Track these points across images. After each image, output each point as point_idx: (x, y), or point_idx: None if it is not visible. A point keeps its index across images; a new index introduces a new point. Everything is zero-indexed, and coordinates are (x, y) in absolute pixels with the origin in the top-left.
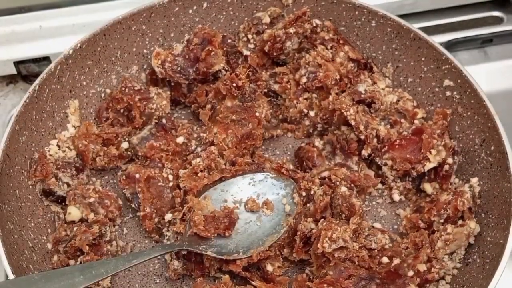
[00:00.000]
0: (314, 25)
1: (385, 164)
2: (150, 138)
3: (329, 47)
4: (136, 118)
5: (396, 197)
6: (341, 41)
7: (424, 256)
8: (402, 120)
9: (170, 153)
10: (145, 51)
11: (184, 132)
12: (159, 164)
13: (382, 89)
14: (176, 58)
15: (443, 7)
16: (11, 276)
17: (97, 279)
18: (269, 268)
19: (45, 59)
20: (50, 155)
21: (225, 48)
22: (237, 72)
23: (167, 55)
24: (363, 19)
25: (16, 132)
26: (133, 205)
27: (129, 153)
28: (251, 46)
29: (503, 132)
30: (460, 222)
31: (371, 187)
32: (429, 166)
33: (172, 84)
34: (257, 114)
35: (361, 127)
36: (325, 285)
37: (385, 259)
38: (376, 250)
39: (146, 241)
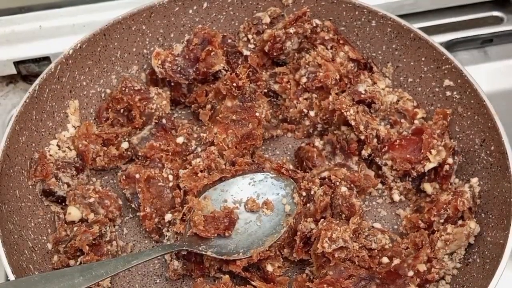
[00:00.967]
0: (314, 25)
1: (385, 164)
2: (150, 138)
3: (329, 47)
4: (136, 118)
5: (396, 197)
6: (341, 41)
7: (424, 256)
8: (402, 120)
9: (170, 153)
10: (145, 51)
11: (184, 132)
12: (159, 164)
13: (382, 89)
14: (176, 58)
15: (443, 7)
16: (11, 276)
17: (97, 280)
18: (269, 268)
19: (45, 59)
20: (50, 155)
21: (225, 48)
22: (237, 72)
23: (167, 55)
24: (363, 19)
25: (16, 132)
26: (133, 205)
27: (129, 153)
28: (251, 46)
29: (503, 132)
30: (460, 222)
31: (371, 187)
32: (429, 166)
33: (172, 84)
34: (257, 114)
35: (361, 127)
36: (325, 285)
37: (385, 259)
38: (376, 250)
39: (146, 241)
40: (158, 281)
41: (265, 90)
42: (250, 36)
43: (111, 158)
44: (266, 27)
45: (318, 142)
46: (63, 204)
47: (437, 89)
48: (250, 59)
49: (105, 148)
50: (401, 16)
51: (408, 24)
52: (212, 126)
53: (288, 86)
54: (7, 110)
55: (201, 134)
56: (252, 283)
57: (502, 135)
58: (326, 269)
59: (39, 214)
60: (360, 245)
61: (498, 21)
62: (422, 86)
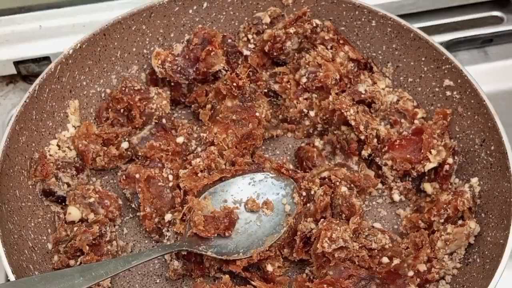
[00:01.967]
0: (314, 25)
1: (385, 164)
2: (150, 138)
3: (329, 47)
4: (136, 118)
5: (396, 197)
6: (341, 41)
7: (424, 256)
8: (402, 120)
9: (170, 153)
10: (145, 51)
11: (184, 132)
12: (159, 164)
13: (382, 89)
14: (176, 58)
15: (443, 7)
16: (11, 276)
17: (97, 280)
18: (269, 268)
19: (45, 59)
20: (50, 155)
21: (225, 48)
22: (237, 72)
23: (167, 55)
24: (363, 19)
25: (16, 132)
26: (133, 205)
27: (129, 153)
28: (251, 46)
29: (503, 132)
30: (460, 222)
31: (371, 187)
32: (429, 166)
33: (172, 84)
34: (257, 114)
35: (361, 127)
36: (325, 285)
37: (385, 259)
38: (376, 250)
39: (146, 241)
40: (158, 281)
41: (265, 90)
42: (250, 36)
43: (111, 158)
44: (266, 27)
45: (318, 142)
46: (63, 204)
47: (437, 89)
48: (250, 59)
49: (105, 148)
50: (401, 16)
51: (408, 24)
52: (212, 126)
53: (288, 86)
54: (7, 110)
55: (201, 134)
56: (252, 283)
57: (502, 135)
58: (326, 269)
59: (39, 214)
60: (360, 245)
61: (498, 21)
62: (422, 86)
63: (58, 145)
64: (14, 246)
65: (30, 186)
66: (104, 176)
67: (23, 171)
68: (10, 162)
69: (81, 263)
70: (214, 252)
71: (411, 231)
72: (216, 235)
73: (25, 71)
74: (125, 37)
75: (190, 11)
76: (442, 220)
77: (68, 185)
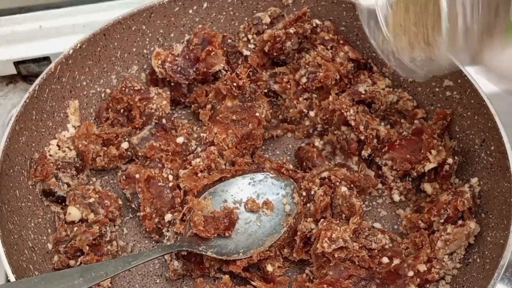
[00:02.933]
0: (314, 25)
1: (385, 164)
2: (150, 138)
3: (329, 47)
4: (136, 118)
5: (396, 197)
6: (341, 41)
7: (424, 256)
8: (402, 120)
9: (170, 153)
10: (145, 51)
11: (184, 132)
12: (159, 164)
13: (382, 89)
14: (176, 58)
15: None
16: (11, 277)
17: (97, 281)
18: (269, 268)
19: (45, 59)
20: (50, 155)
21: (225, 48)
22: (237, 72)
23: (167, 55)
24: None
25: (16, 132)
26: (133, 205)
27: (129, 153)
28: (251, 46)
29: (503, 132)
30: (460, 222)
31: (371, 187)
32: (429, 166)
33: (172, 84)
34: (257, 114)
35: (361, 128)
36: (325, 285)
37: (385, 259)
38: (376, 250)
39: (146, 241)
40: (158, 281)
41: (265, 90)
42: (250, 36)
43: (111, 158)
44: (266, 27)
45: (318, 142)
46: (63, 204)
47: (437, 89)
48: (250, 59)
49: (105, 148)
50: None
51: None
52: (212, 126)
53: (288, 86)
54: (7, 110)
55: (201, 134)
56: (252, 283)
57: (502, 135)
58: (326, 269)
59: (39, 214)
60: (360, 245)
61: None
62: (422, 86)
63: (58, 145)
64: (14, 246)
65: (30, 186)
66: (104, 176)
67: (23, 171)
68: (10, 162)
69: (81, 263)
70: (214, 252)
71: (411, 231)
72: (216, 235)
73: (25, 71)
74: (125, 37)
75: (190, 11)
76: (442, 220)
77: (68, 185)
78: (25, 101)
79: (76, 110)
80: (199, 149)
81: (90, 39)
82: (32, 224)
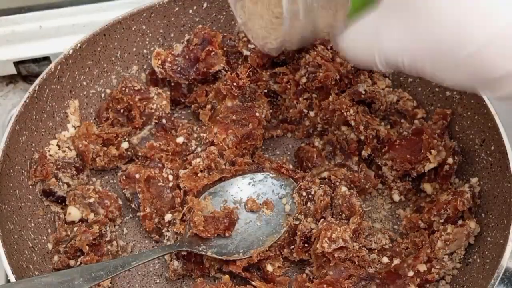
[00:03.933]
0: None
1: (385, 164)
2: (150, 138)
3: (329, 47)
4: (136, 118)
5: (396, 197)
6: None
7: (424, 256)
8: (402, 120)
9: (170, 153)
10: (145, 51)
11: (184, 132)
12: (159, 164)
13: (382, 89)
14: (176, 58)
15: None
16: (11, 277)
17: (97, 281)
18: (269, 268)
19: (45, 59)
20: (50, 155)
21: (225, 48)
22: (237, 72)
23: (167, 55)
24: None
25: (16, 132)
26: (133, 205)
27: (129, 153)
28: (251, 46)
29: (503, 132)
30: (460, 222)
31: (371, 187)
32: (429, 166)
33: (172, 84)
34: (257, 114)
35: (361, 128)
36: (325, 285)
37: (385, 259)
38: (376, 250)
39: (146, 241)
40: (158, 281)
41: (265, 90)
42: None
43: (111, 158)
44: None
45: (318, 142)
46: (63, 204)
47: (437, 89)
48: (250, 59)
49: (105, 148)
50: None
51: None
52: (212, 126)
53: (288, 86)
54: (7, 110)
55: (201, 134)
56: (252, 283)
57: (502, 135)
58: (326, 269)
59: (39, 214)
60: (360, 245)
61: None
62: (422, 86)
63: (58, 145)
64: (14, 246)
65: (30, 186)
66: (104, 176)
67: (23, 171)
68: (10, 162)
69: (81, 263)
70: (214, 252)
71: (411, 231)
72: (216, 235)
73: (25, 71)
74: (125, 37)
75: (190, 11)
76: (442, 220)
77: (68, 185)
78: (25, 101)
79: (76, 110)
80: (199, 149)
81: (90, 39)
82: (32, 224)
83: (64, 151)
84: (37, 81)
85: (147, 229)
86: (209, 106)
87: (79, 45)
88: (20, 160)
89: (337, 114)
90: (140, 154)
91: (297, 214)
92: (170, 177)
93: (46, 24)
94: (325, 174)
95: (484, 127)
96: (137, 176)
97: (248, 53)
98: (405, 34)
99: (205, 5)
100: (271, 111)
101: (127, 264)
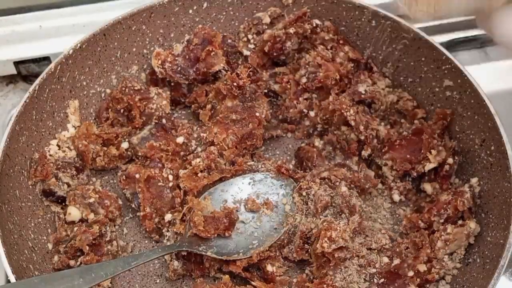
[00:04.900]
0: (314, 25)
1: (385, 164)
2: (150, 138)
3: (329, 47)
4: (136, 118)
5: (396, 197)
6: (341, 41)
7: (424, 256)
8: (402, 120)
9: (170, 153)
10: (145, 51)
11: (184, 132)
12: (159, 164)
13: (382, 89)
14: (176, 58)
15: None
16: (11, 277)
17: (97, 281)
18: (269, 268)
19: (45, 59)
20: (50, 155)
21: (225, 48)
22: (238, 72)
23: (167, 55)
24: (363, 19)
25: (16, 132)
26: (133, 205)
27: (129, 153)
28: (251, 46)
29: (503, 132)
30: (460, 222)
31: (371, 187)
32: (429, 166)
33: (172, 84)
34: (257, 114)
35: (361, 128)
36: (325, 285)
37: (385, 259)
38: (376, 250)
39: (146, 241)
40: (158, 281)
41: (265, 90)
42: (250, 36)
43: (111, 158)
44: (266, 27)
45: (318, 142)
46: (63, 204)
47: (437, 89)
48: (250, 59)
49: (105, 148)
50: (401, 16)
51: (408, 24)
52: (212, 126)
53: (288, 86)
54: (7, 110)
55: (201, 134)
56: (252, 283)
57: (502, 135)
58: (326, 269)
59: (39, 214)
60: (360, 245)
61: None
62: (422, 86)
63: (58, 145)
64: (14, 246)
65: (30, 186)
66: (104, 176)
67: (23, 171)
68: (10, 162)
69: (81, 263)
70: (214, 253)
71: (411, 231)
72: (216, 235)
73: (25, 71)
74: (125, 37)
75: (190, 11)
76: (442, 220)
77: (68, 185)
78: (25, 101)
79: (76, 110)
80: (199, 149)
81: (90, 39)
82: (32, 224)
83: (64, 151)
84: (37, 81)
85: (147, 229)
86: (209, 106)
87: (79, 45)
88: (20, 160)
89: (337, 114)
90: (140, 154)
91: (297, 214)
92: (170, 177)
93: (46, 24)
94: (325, 174)
95: (484, 127)
96: (137, 176)
97: (248, 53)
98: None
99: (205, 5)
100: (271, 111)
101: (127, 264)
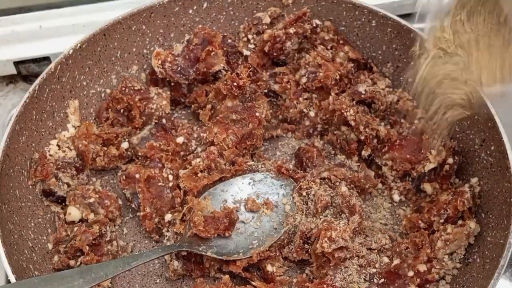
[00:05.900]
0: (314, 25)
1: (385, 164)
2: (150, 138)
3: (329, 47)
4: (136, 118)
5: (396, 197)
6: (341, 41)
7: (424, 256)
8: (402, 120)
9: (170, 153)
10: (145, 51)
11: (184, 132)
12: (159, 164)
13: (382, 89)
14: (176, 58)
15: None
16: (11, 277)
17: (97, 282)
18: (269, 268)
19: (45, 59)
20: (50, 155)
21: (225, 48)
22: (238, 72)
23: (167, 55)
24: (363, 19)
25: (16, 132)
26: (133, 205)
27: (129, 153)
28: (251, 46)
29: (503, 132)
30: (460, 222)
31: (371, 187)
32: (429, 166)
33: (172, 84)
34: (257, 114)
35: (361, 128)
36: (325, 285)
37: (385, 259)
38: (376, 250)
39: (146, 241)
40: (158, 281)
41: (265, 90)
42: (250, 36)
43: (111, 158)
44: (266, 27)
45: (318, 142)
46: (63, 204)
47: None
48: (250, 59)
49: (105, 148)
50: (401, 16)
51: (408, 24)
52: (212, 126)
53: (288, 86)
54: (7, 110)
55: (201, 134)
56: (252, 283)
57: (502, 135)
58: (326, 269)
59: (39, 214)
60: (360, 245)
61: None
62: None
63: (58, 145)
64: (14, 246)
65: (30, 186)
66: (104, 176)
67: (23, 171)
68: (10, 162)
69: (81, 263)
70: (214, 253)
71: (411, 231)
72: (216, 235)
73: (25, 71)
74: (125, 37)
75: (190, 11)
76: (442, 220)
77: (68, 185)
78: (25, 101)
79: (76, 110)
80: (199, 149)
81: (90, 39)
82: (32, 224)
83: (64, 151)
84: (37, 81)
85: (147, 229)
86: (209, 106)
87: (79, 45)
88: (20, 160)
89: (337, 114)
90: (140, 154)
91: (297, 214)
92: (170, 177)
93: (46, 24)
94: (325, 174)
95: (484, 127)
96: (137, 176)
97: (248, 53)
98: None
99: (205, 5)
100: (271, 111)
101: (127, 264)
